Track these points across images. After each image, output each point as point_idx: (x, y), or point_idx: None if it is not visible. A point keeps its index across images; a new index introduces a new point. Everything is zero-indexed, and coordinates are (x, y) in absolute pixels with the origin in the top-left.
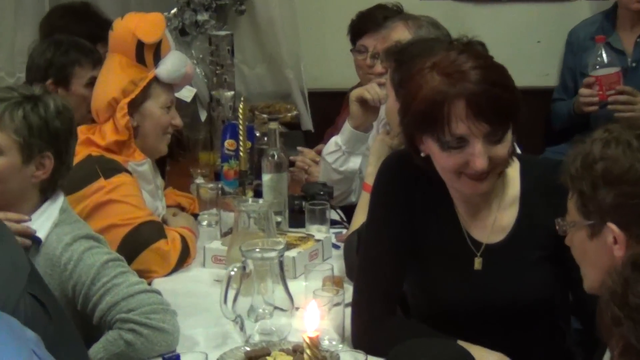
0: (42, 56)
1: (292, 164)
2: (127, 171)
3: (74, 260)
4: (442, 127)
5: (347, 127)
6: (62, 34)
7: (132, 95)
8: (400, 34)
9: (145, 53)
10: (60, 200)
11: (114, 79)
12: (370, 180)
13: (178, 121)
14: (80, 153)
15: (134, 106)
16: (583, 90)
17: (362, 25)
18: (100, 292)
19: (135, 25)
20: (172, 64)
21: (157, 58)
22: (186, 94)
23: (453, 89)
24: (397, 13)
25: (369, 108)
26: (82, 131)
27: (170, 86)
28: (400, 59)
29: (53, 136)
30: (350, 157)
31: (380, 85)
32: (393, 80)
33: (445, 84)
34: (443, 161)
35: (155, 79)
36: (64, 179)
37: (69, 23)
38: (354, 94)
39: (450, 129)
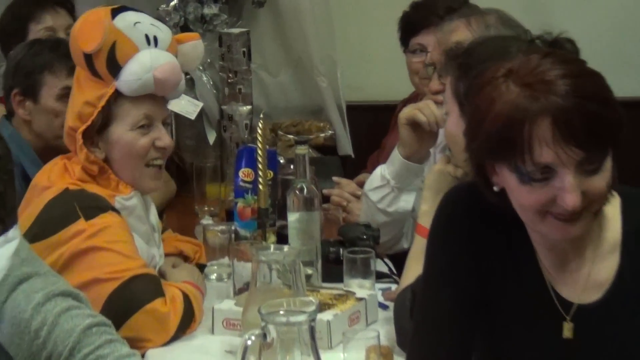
0: (14, 59)
1: (326, 199)
2: (114, 209)
3: (48, 325)
4: (522, 154)
5: (396, 156)
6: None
7: (88, 122)
8: (461, 38)
9: (96, 64)
10: (13, 243)
11: (71, 101)
12: (425, 221)
13: (165, 141)
14: (56, 185)
15: (94, 133)
16: None
17: (418, 19)
18: None
19: (77, 31)
20: (130, 71)
21: (116, 67)
22: (189, 109)
23: (536, 105)
24: (462, 3)
25: (424, 133)
26: (60, 157)
27: (146, 97)
28: (466, 63)
29: None
30: (401, 194)
31: (438, 104)
32: (456, 91)
33: (526, 98)
34: (523, 197)
35: (119, 94)
36: (8, 218)
37: None
38: (403, 115)
39: (533, 156)
